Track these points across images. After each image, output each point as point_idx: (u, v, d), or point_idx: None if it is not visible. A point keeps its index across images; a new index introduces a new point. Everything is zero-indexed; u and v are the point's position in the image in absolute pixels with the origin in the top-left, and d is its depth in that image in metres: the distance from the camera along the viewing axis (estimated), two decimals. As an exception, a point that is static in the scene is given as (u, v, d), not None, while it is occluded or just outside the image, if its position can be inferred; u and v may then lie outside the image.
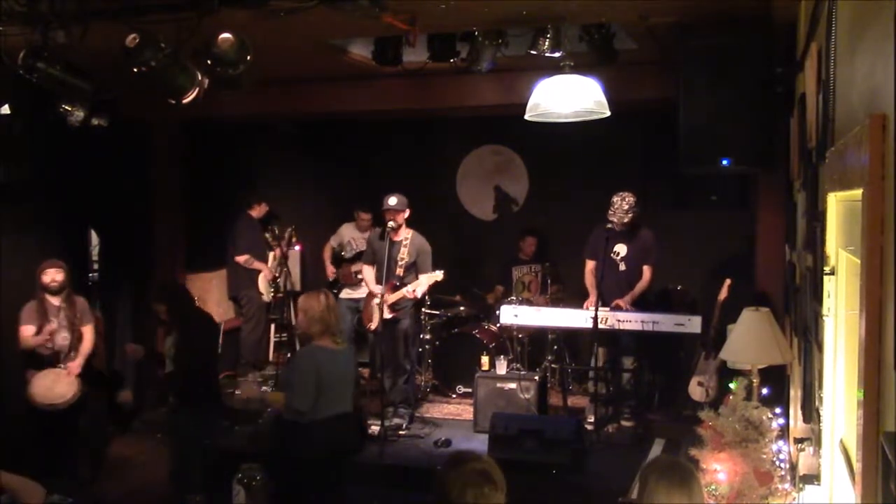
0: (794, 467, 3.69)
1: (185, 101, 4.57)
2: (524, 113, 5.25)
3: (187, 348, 5.26)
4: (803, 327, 3.72)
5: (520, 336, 7.53)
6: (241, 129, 8.61)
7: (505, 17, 4.89)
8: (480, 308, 8.25)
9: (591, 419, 6.69)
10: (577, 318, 6.76)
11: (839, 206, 2.54)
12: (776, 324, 4.28)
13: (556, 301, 7.69)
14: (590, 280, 6.90)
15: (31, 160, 6.54)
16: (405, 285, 6.61)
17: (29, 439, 5.81)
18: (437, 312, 7.94)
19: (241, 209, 8.27)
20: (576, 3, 4.60)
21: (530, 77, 5.60)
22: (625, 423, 6.78)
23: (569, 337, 7.78)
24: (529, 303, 7.61)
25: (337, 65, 6.44)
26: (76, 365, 5.90)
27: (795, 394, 4.33)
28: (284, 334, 8.58)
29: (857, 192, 1.81)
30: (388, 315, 6.58)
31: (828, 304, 2.65)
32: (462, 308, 8.15)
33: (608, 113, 5.21)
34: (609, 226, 6.66)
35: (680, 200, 7.89)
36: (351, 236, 8.32)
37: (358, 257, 7.81)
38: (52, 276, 5.88)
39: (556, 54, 5.17)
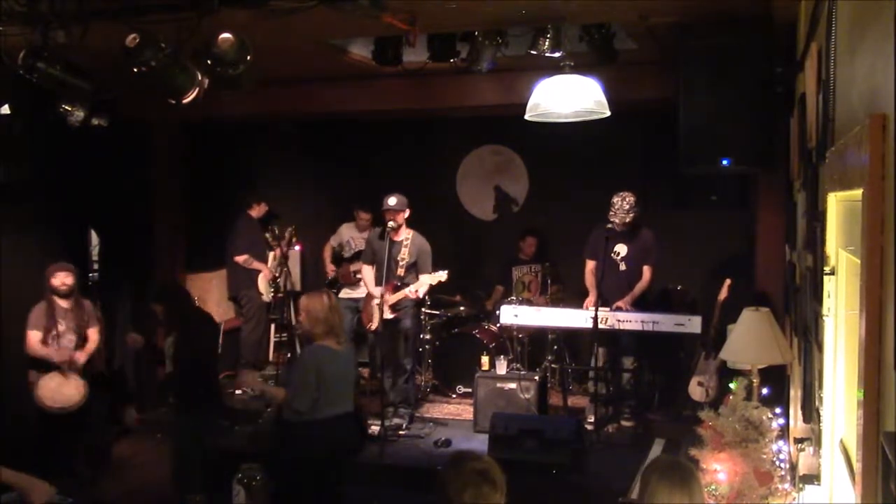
0: (794, 467, 3.69)
1: (185, 101, 4.56)
2: (524, 113, 5.24)
3: (187, 348, 5.27)
4: (803, 327, 3.72)
5: (520, 336, 7.53)
6: (241, 129, 8.61)
7: (505, 17, 4.89)
8: (480, 308, 8.26)
9: (591, 419, 6.69)
10: (577, 318, 6.76)
11: (839, 206, 2.54)
12: (776, 324, 4.28)
13: (556, 301, 7.69)
14: (590, 280, 6.90)
15: (31, 160, 6.55)
16: (406, 285, 6.61)
17: (30, 439, 5.81)
18: (437, 312, 7.94)
19: (241, 209, 8.27)
20: (576, 3, 4.59)
21: (530, 77, 5.59)
22: (625, 423, 6.78)
23: (569, 337, 7.77)
24: (529, 303, 7.61)
25: (337, 65, 6.44)
26: (81, 355, 5.92)
27: (795, 394, 4.33)
28: (284, 334, 8.58)
29: (857, 192, 1.81)
30: (389, 315, 6.58)
31: (828, 304, 2.65)
32: (462, 308, 8.15)
33: (608, 113, 5.21)
34: (609, 226, 6.67)
35: (680, 200, 7.89)
36: (350, 236, 8.32)
37: (357, 257, 7.81)
38: (62, 279, 5.90)
39: (556, 54, 5.17)
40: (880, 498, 1.62)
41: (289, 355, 8.22)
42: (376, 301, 6.60)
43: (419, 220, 6.87)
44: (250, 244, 8.18)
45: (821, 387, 2.85)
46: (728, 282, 6.36)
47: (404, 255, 6.65)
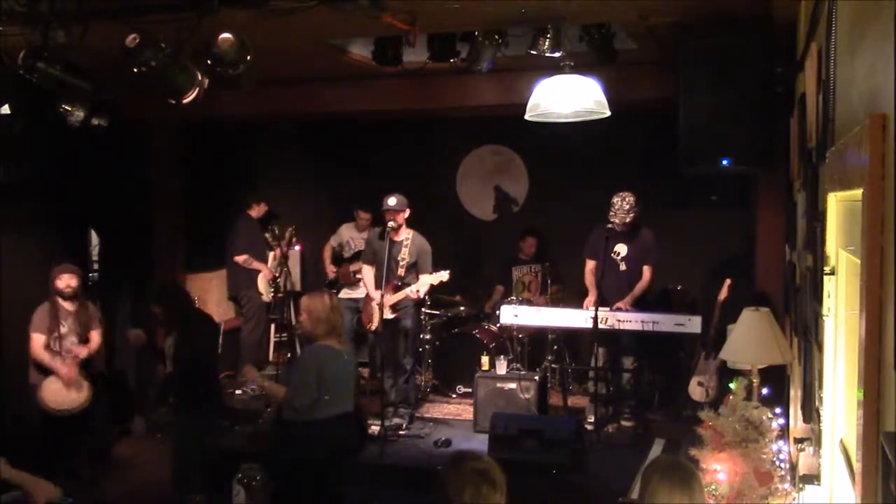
0: (794, 467, 3.69)
1: (185, 101, 4.56)
2: (524, 113, 5.24)
3: (187, 348, 5.27)
4: (803, 327, 3.72)
5: (520, 336, 7.53)
6: (241, 129, 8.60)
7: (505, 17, 4.89)
8: (480, 308, 8.26)
9: (591, 419, 6.70)
10: (577, 318, 6.76)
11: (839, 206, 2.54)
12: (776, 324, 4.28)
13: (556, 301, 7.69)
14: (590, 280, 6.90)
15: (31, 160, 6.55)
16: (406, 285, 6.61)
17: (31, 439, 5.81)
18: (437, 312, 7.94)
19: (241, 209, 8.27)
20: (576, 3, 4.59)
21: (530, 77, 5.59)
22: (625, 423, 6.78)
23: (569, 337, 7.77)
24: (529, 303, 7.61)
25: (337, 65, 6.44)
26: (82, 351, 5.92)
27: (795, 394, 4.33)
28: (284, 334, 8.58)
29: (857, 192, 1.81)
30: (389, 315, 6.58)
31: (828, 304, 2.65)
32: (462, 308, 8.15)
33: (608, 113, 5.20)
34: (609, 226, 6.67)
35: (680, 200, 7.89)
36: (350, 236, 8.33)
37: (357, 257, 7.81)
38: (67, 281, 5.90)
39: (556, 54, 5.17)
40: (880, 498, 1.62)
41: (289, 355, 8.22)
42: (375, 302, 6.60)
43: (419, 220, 6.87)
44: (250, 244, 8.18)
45: (821, 387, 2.85)
46: (728, 282, 6.36)
47: (404, 256, 6.65)
